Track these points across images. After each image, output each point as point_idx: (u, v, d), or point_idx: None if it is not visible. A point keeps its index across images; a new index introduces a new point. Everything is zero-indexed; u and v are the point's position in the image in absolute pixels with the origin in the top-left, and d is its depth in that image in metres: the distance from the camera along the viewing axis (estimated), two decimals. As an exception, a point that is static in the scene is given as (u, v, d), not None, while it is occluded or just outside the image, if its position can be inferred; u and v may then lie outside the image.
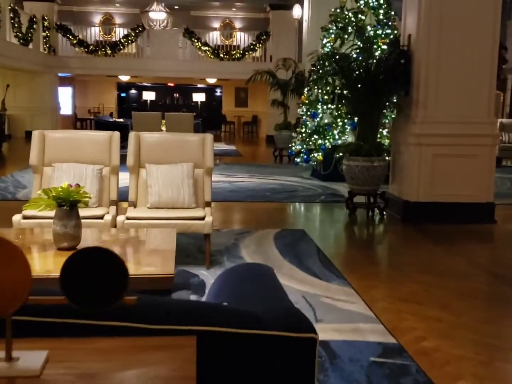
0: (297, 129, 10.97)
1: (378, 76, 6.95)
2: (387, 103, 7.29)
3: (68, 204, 3.37)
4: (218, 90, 26.51)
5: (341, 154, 7.28)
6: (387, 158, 7.41)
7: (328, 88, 10.28)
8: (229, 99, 24.55)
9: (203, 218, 4.57)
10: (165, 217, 4.53)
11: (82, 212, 4.51)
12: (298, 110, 11.11)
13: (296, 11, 14.99)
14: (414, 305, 4.05)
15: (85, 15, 22.28)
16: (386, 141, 8.95)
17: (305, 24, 13.65)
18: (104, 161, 4.96)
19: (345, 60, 7.06)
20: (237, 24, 23.26)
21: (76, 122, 21.53)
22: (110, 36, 21.51)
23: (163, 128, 15.04)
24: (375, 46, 7.87)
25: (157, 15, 16.15)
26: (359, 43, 8.03)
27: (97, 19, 22.66)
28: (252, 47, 20.08)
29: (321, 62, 7.24)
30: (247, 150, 17.35)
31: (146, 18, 16.22)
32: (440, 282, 4.59)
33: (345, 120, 9.93)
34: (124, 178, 5.41)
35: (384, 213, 7.09)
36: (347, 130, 9.97)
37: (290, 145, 11.14)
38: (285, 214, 7.38)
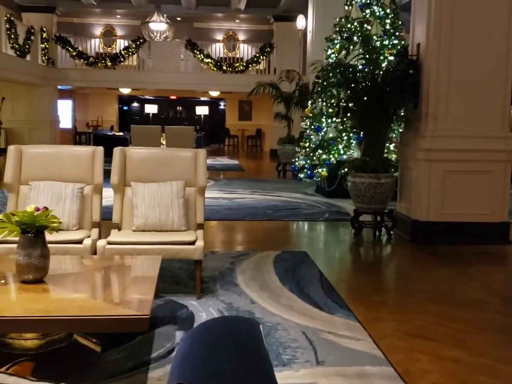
0: (301, 144, 10.56)
1: (385, 87, 6.55)
2: (394, 116, 6.88)
3: (33, 231, 2.95)
4: (221, 103, 26.20)
5: (346, 170, 6.84)
6: (394, 174, 6.99)
7: (332, 100, 9.92)
8: (233, 112, 24.22)
9: (193, 243, 4.14)
10: (150, 242, 4.10)
11: (59, 236, 4.10)
12: (302, 123, 10.72)
13: (300, 21, 14.65)
14: (427, 342, 3.60)
15: (86, 27, 22.05)
16: (393, 156, 8.52)
17: (309, 35, 13.29)
18: (86, 179, 4.54)
19: (350, 71, 6.65)
20: (241, 36, 22.98)
21: (76, 136, 21.20)
22: (111, 48, 21.26)
23: (163, 141, 14.66)
24: (381, 58, 7.46)
25: (158, 26, 15.85)
26: (364, 53, 7.64)
27: (98, 31, 22.43)
28: (255, 59, 19.77)
29: (325, 73, 6.83)
30: (250, 165, 16.95)
31: (146, 29, 15.92)
32: (454, 313, 4.13)
33: (351, 134, 9.53)
34: (111, 196, 5.00)
35: (392, 233, 6.64)
36: (353, 144, 9.56)
37: (293, 160, 10.72)
38: (287, 234, 6.92)
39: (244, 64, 19.68)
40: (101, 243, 4.10)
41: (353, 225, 6.72)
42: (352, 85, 6.64)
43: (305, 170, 10.05)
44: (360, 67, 6.96)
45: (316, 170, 9.82)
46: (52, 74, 18.63)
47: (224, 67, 19.58)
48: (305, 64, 17.70)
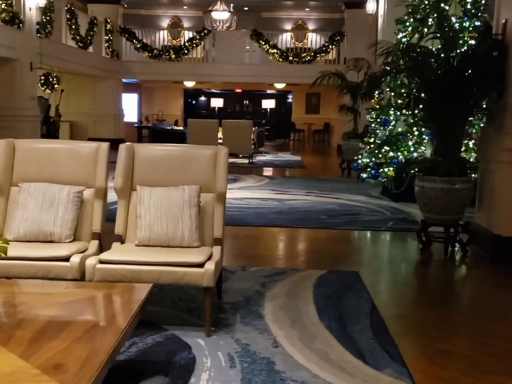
0: (365, 139, 9.45)
1: (463, 73, 5.40)
2: (474, 109, 5.71)
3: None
4: (289, 96, 25.24)
5: (415, 171, 5.73)
6: (473, 177, 5.82)
7: (402, 90, 8.76)
8: (299, 105, 23.19)
9: (202, 265, 3.26)
10: (147, 262, 3.26)
11: (43, 250, 3.37)
12: (367, 116, 9.59)
13: (370, 5, 13.41)
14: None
15: (153, 19, 21.69)
16: (473, 155, 7.28)
17: (380, 20, 12.06)
18: (87, 181, 3.78)
19: (421, 54, 5.53)
20: (310, 26, 21.89)
21: (141, 129, 20.86)
22: (178, 40, 20.77)
23: (220, 135, 13.93)
24: (460, 42, 6.24)
25: (220, 15, 15.11)
26: (440, 36, 6.46)
27: (165, 23, 22.03)
28: (324, 48, 18.63)
29: (392, 56, 5.73)
30: (313, 162, 15.91)
31: (208, 19, 15.22)
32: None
33: (423, 129, 8.34)
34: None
35: (468, 249, 5.48)
36: (425, 141, 8.37)
37: (355, 158, 9.63)
38: (338, 247, 5.86)
39: (312, 54, 18.60)
40: (90, 261, 3.30)
41: (420, 239, 5.61)
42: (424, 70, 5.52)
43: (368, 169, 8.94)
44: (434, 51, 5.81)
45: (382, 170, 8.69)
46: (116, 67, 18.35)
47: (291, 58, 18.59)
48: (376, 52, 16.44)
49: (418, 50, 5.58)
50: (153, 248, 3.48)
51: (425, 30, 7.33)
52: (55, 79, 18.08)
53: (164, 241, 3.50)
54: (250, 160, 14.28)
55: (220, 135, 14.13)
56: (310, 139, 22.47)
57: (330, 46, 18.66)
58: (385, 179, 8.80)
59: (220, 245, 3.65)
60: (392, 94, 9.03)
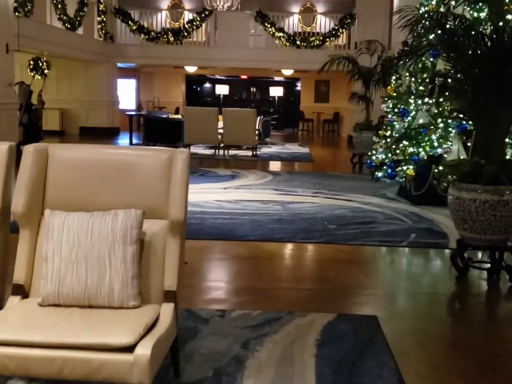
0: (380, 132, 8.15)
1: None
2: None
3: None
4: (298, 83, 23.87)
5: (448, 177, 4.43)
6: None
7: (425, 75, 7.46)
8: (308, 93, 21.80)
9: (131, 348, 2.02)
10: (38, 343, 2.02)
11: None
12: (382, 105, 8.28)
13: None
14: None
15: (152, 0, 20.31)
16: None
17: (396, -3, 10.74)
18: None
19: (459, 24, 4.21)
20: (319, 8, 20.44)
21: (133, 118, 19.50)
22: (179, 22, 19.39)
23: (220, 124, 12.64)
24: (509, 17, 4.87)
25: (220, -7, 13.77)
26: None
27: (165, 4, 20.66)
28: (334, 32, 17.22)
29: (422, 28, 4.40)
30: (322, 154, 14.59)
31: (207, -2, 13.87)
32: None
33: (449, 121, 7.04)
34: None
35: (518, 279, 4.22)
36: (451, 134, 7.06)
37: (369, 154, 8.34)
38: (349, 272, 4.51)
39: (321, 38, 17.21)
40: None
41: (456, 265, 4.33)
42: (462, 47, 4.21)
43: (384, 167, 7.66)
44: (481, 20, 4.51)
45: (400, 168, 7.41)
46: (110, 50, 17.08)
47: (298, 42, 17.22)
48: (391, 36, 15.06)
49: (459, 19, 4.24)
50: (61, 312, 2.24)
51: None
52: (45, 63, 16.91)
53: (82, 299, 2.27)
54: (254, 153, 13.01)
55: (220, 124, 12.85)
56: (319, 129, 21.12)
57: (340, 29, 17.25)
58: (404, 179, 7.52)
59: (174, 301, 2.41)
60: (412, 79, 7.74)
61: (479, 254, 4.79)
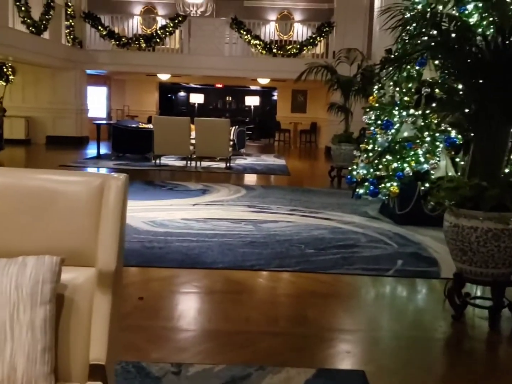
0: (361, 145, 7.61)
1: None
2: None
3: None
4: (274, 93, 23.38)
5: (443, 200, 3.87)
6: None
7: (410, 84, 6.97)
8: (285, 103, 21.30)
9: None
10: None
11: None
12: (364, 116, 7.75)
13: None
14: None
15: (124, 5, 19.63)
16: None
17: (376, 3, 10.26)
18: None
19: (458, 25, 3.66)
20: (297, 16, 20.04)
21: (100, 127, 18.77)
22: (152, 29, 18.74)
23: (192, 134, 12.01)
24: None
25: (194, -2, 13.20)
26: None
27: (138, 9, 20.01)
28: (311, 40, 16.75)
29: (416, 28, 3.84)
30: (299, 167, 14.05)
31: (180, 2, 13.28)
32: None
33: (437, 134, 6.53)
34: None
35: (523, 319, 3.68)
36: (439, 149, 6.55)
37: (349, 169, 7.79)
38: (329, 310, 3.90)
39: (298, 46, 16.73)
40: None
41: (453, 301, 3.77)
42: (461, 51, 3.67)
43: (366, 183, 7.11)
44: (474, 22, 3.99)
45: (383, 185, 6.87)
46: (78, 56, 16.32)
47: (275, 50, 16.71)
48: (371, 45, 14.66)
49: (455, 21, 3.69)
50: None
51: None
52: (10, 69, 16.13)
53: (-34, 384, 1.63)
54: (228, 165, 12.40)
55: (193, 135, 12.22)
56: (296, 140, 20.62)
57: (318, 38, 16.79)
58: (387, 197, 6.99)
59: (102, 379, 1.78)
60: (397, 89, 7.24)
61: (474, 288, 4.24)
